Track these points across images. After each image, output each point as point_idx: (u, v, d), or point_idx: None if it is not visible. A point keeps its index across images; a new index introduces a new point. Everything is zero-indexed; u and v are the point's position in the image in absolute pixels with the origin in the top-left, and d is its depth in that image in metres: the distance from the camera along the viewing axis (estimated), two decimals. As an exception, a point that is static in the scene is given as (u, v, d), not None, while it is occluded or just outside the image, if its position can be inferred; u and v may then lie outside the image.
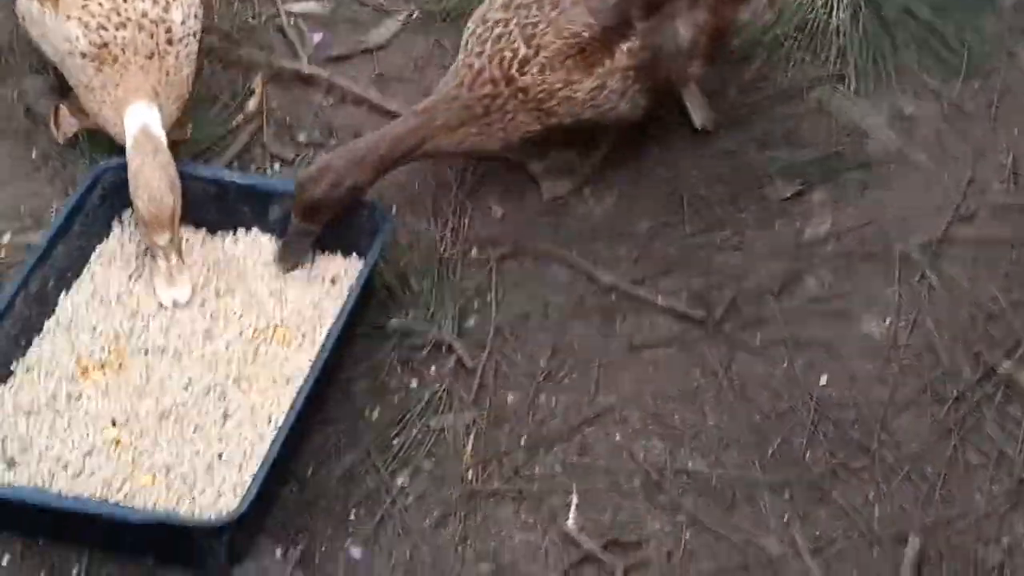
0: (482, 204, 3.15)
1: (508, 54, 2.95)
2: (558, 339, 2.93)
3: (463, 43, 3.02)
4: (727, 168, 3.20)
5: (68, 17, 2.93)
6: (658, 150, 3.24)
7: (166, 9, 2.96)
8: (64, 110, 3.20)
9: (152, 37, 2.93)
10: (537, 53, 2.94)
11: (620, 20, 2.99)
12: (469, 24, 3.03)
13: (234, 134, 3.28)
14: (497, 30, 2.96)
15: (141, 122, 2.91)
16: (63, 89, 3.18)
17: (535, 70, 2.95)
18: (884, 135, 3.24)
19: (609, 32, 2.98)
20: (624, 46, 3.00)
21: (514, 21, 2.96)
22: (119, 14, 2.93)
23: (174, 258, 2.88)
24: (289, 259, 2.94)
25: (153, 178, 2.85)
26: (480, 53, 2.96)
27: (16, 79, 3.34)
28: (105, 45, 2.91)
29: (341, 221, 2.93)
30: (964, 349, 2.87)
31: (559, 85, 2.97)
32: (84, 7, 2.93)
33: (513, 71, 2.95)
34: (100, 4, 2.94)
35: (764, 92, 3.31)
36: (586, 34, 2.96)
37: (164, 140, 2.90)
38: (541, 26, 2.96)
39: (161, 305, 2.89)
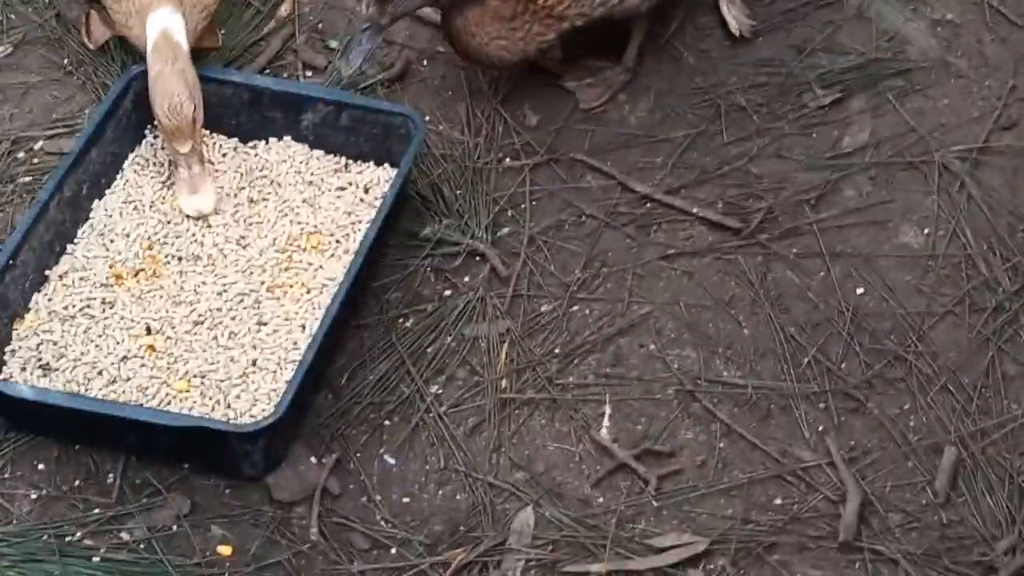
0: (516, 112, 3.12)
1: None
2: (592, 248, 2.92)
3: None
4: (764, 75, 3.16)
5: None
6: (694, 58, 3.19)
7: None
8: (95, 16, 3.17)
9: None
10: None
11: None
12: None
13: (266, 40, 3.25)
14: None
15: (162, 27, 2.87)
16: None
17: None
18: (925, 42, 3.19)
19: None
20: None
21: None
22: None
23: (196, 167, 2.85)
24: (354, 55, 2.89)
25: (172, 85, 2.81)
26: None
27: (47, -16, 3.32)
28: None
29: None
30: (1002, 259, 2.84)
31: None
32: None
33: None
34: None
35: (803, -1, 3.27)
36: None
37: (184, 45, 2.86)
38: None
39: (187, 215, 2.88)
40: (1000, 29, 3.18)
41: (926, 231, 2.90)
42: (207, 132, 2.98)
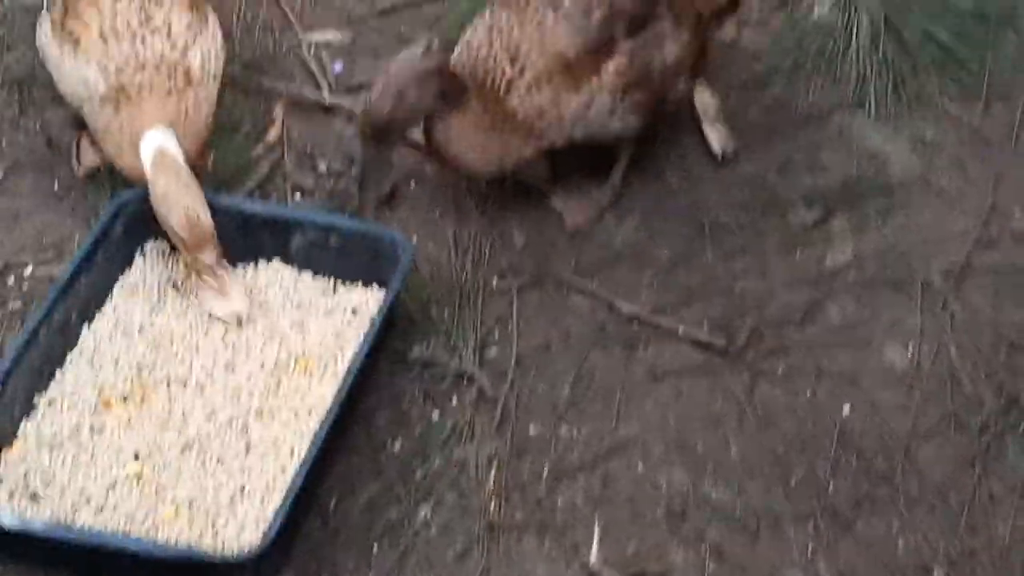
0: (503, 232, 3.15)
1: (496, 75, 2.95)
2: (579, 369, 2.93)
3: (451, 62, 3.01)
4: (748, 194, 3.20)
5: (88, 60, 2.94)
6: (678, 177, 3.23)
7: (184, 52, 2.96)
8: (86, 142, 3.20)
9: (170, 78, 2.92)
10: (522, 74, 2.94)
11: (605, 38, 2.98)
12: (456, 50, 3.03)
13: (255, 163, 3.29)
14: (482, 52, 2.96)
15: (157, 145, 2.88)
16: (84, 121, 3.20)
17: (522, 90, 2.95)
18: (905, 160, 3.23)
19: (594, 49, 2.97)
20: (611, 64, 2.99)
21: (498, 43, 2.96)
22: (138, 57, 2.92)
23: (221, 271, 2.86)
24: (374, 192, 2.97)
25: (183, 198, 2.83)
26: (472, 71, 2.96)
27: (38, 110, 3.35)
28: (122, 87, 2.91)
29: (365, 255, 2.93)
30: (987, 378, 2.86)
31: (547, 105, 2.97)
32: (104, 50, 2.93)
33: (501, 92, 2.95)
34: (120, 47, 2.94)
35: (784, 117, 3.31)
36: (571, 53, 2.96)
37: (182, 158, 2.88)
38: (524, 47, 2.95)
39: (185, 328, 2.89)
40: (979, 148, 3.23)
41: (910, 349, 2.93)
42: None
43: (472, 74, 2.96)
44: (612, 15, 2.97)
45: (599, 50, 2.96)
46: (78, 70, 2.93)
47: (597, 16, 2.96)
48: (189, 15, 3.01)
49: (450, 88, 2.95)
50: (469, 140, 2.99)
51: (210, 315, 2.90)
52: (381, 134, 2.94)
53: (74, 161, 3.22)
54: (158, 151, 2.87)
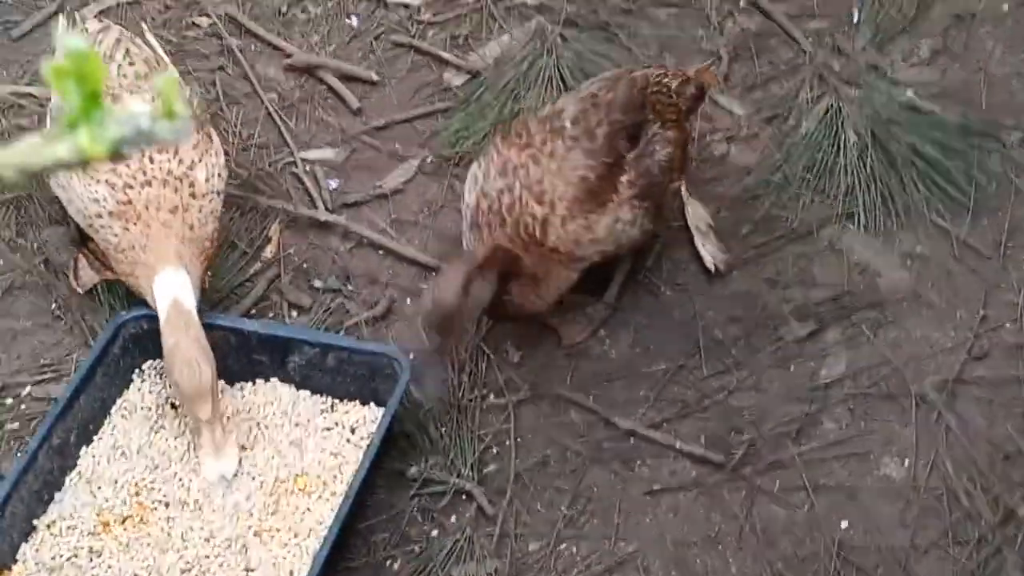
0: (499, 349, 3.17)
1: (528, 219, 2.96)
2: (578, 485, 2.94)
3: (469, 221, 3.00)
4: (741, 309, 3.22)
5: (96, 178, 2.97)
6: (672, 292, 3.26)
7: (191, 167, 3.00)
8: (84, 260, 3.22)
9: (176, 192, 2.96)
10: (554, 208, 2.97)
11: (614, 154, 3.03)
12: (468, 201, 3.02)
13: (252, 281, 3.31)
14: (506, 199, 2.98)
15: (172, 295, 2.87)
16: (83, 240, 3.22)
17: (557, 225, 2.97)
18: (895, 274, 3.27)
19: (608, 168, 3.02)
20: (623, 178, 3.04)
21: (518, 185, 2.98)
22: (145, 173, 2.96)
23: (219, 430, 2.86)
24: (432, 385, 2.89)
25: (189, 353, 2.82)
26: (502, 224, 2.96)
27: (36, 230, 3.37)
28: (130, 202, 2.94)
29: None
30: (983, 491, 2.88)
31: (582, 230, 3.00)
32: (112, 167, 2.96)
33: (538, 234, 2.97)
34: (127, 164, 2.97)
35: (775, 232, 3.34)
36: (591, 176, 2.99)
37: (194, 309, 2.89)
38: (547, 181, 2.97)
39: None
40: (968, 260, 3.26)
41: (907, 463, 2.94)
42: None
43: (502, 222, 2.96)
44: (614, 131, 3.02)
45: (612, 167, 3.02)
46: (87, 188, 2.96)
47: (602, 135, 3.01)
48: (194, 134, 3.05)
49: (509, 263, 2.93)
50: (532, 295, 3.00)
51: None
52: (447, 324, 2.84)
53: (72, 280, 3.23)
54: (173, 303, 2.86)
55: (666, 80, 3.19)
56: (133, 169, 2.95)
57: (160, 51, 3.28)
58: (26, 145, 1.20)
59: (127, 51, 3.14)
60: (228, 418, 2.94)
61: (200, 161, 3.01)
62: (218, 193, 3.03)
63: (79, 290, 3.22)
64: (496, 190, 2.97)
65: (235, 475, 2.86)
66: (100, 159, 1.18)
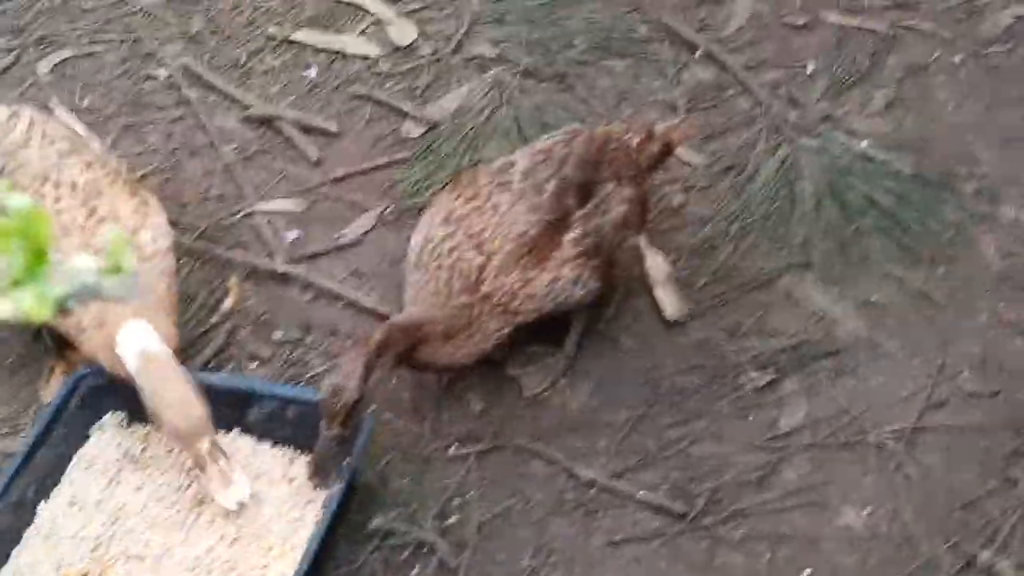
0: (460, 400, 3.17)
1: (464, 265, 2.97)
2: (539, 536, 2.94)
3: (411, 263, 3.02)
4: (700, 358, 3.24)
5: None
6: (632, 342, 3.27)
7: (134, 232, 2.99)
8: (59, 371, 3.18)
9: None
10: (490, 259, 2.97)
11: (560, 211, 3.04)
12: (413, 245, 3.05)
13: (211, 333, 3.30)
14: (447, 244, 2.99)
15: (137, 346, 2.85)
16: (58, 349, 3.18)
17: (492, 276, 2.97)
18: (852, 323, 3.29)
19: (552, 225, 3.02)
20: (569, 236, 3.04)
21: (460, 233, 3.00)
22: (88, 247, 2.93)
23: (222, 459, 2.84)
24: (328, 472, 2.84)
25: (176, 392, 2.80)
26: (439, 268, 2.98)
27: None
28: None
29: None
30: (943, 539, 2.89)
31: (518, 284, 3.00)
32: (56, 247, 2.91)
33: (473, 279, 2.98)
34: (71, 242, 2.94)
35: (733, 282, 3.36)
36: (532, 231, 3.00)
37: (165, 350, 2.86)
38: (488, 232, 2.99)
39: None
40: (924, 309, 3.29)
41: (867, 511, 2.96)
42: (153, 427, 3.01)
43: (438, 267, 2.97)
44: (562, 188, 3.03)
45: (557, 224, 3.02)
46: None
47: (549, 191, 3.02)
48: (131, 199, 3.04)
49: (409, 336, 2.91)
50: (450, 348, 2.99)
51: (214, 502, 2.86)
52: (349, 415, 2.81)
53: (42, 388, 3.18)
54: (140, 353, 2.84)
55: (627, 137, 3.20)
56: (76, 245, 2.93)
57: (76, 125, 3.25)
58: None
59: (43, 132, 3.12)
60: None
61: (143, 225, 3.00)
62: (167, 250, 3.02)
63: (45, 399, 3.15)
64: (439, 236, 2.99)
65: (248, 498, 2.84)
66: (44, 318, 1.18)
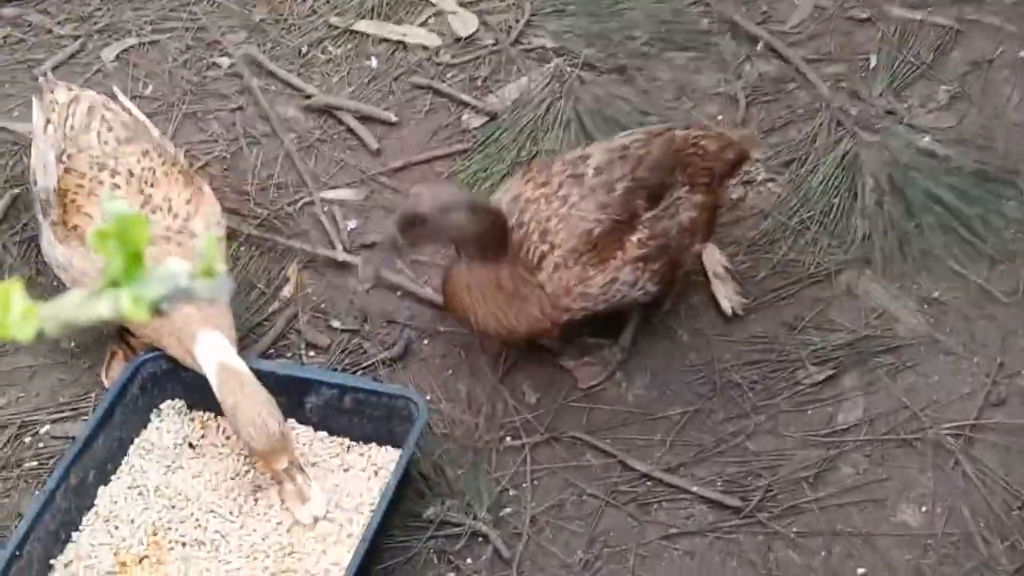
0: (516, 391, 3.17)
1: (530, 246, 2.95)
2: (594, 528, 2.94)
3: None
4: (758, 353, 3.22)
5: (96, 251, 2.95)
6: (689, 336, 3.27)
7: (187, 221, 3.01)
8: (120, 357, 3.20)
9: (180, 247, 2.96)
10: (552, 250, 2.95)
11: (628, 212, 3.01)
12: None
13: (270, 321, 3.32)
14: (515, 219, 2.96)
15: (216, 359, 2.86)
16: (120, 335, 3.20)
17: (550, 268, 2.95)
18: (913, 319, 3.27)
19: (619, 225, 3.00)
20: (634, 237, 3.00)
21: (528, 215, 2.97)
22: None
23: (299, 476, 2.85)
24: (370, 269, 2.87)
25: (252, 409, 2.81)
26: (520, 226, 2.95)
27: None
28: None
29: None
30: (1000, 538, 2.87)
31: (574, 282, 2.97)
32: None
33: (534, 263, 2.95)
34: None
35: (793, 276, 3.35)
36: (597, 230, 2.97)
37: (243, 366, 2.87)
38: (553, 222, 2.96)
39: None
40: (986, 306, 3.26)
41: (924, 509, 2.94)
42: (212, 414, 3.04)
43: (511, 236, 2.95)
44: (634, 189, 3.00)
45: (624, 224, 2.99)
46: (91, 262, 2.96)
47: (620, 190, 2.99)
48: (185, 189, 3.06)
49: (493, 234, 2.90)
50: (487, 297, 2.95)
51: (295, 520, 2.88)
52: (410, 225, 2.82)
53: (103, 375, 3.20)
54: (220, 367, 2.85)
55: (704, 142, 3.15)
56: None
57: (136, 111, 3.28)
58: (70, 301, 1.24)
59: (103, 118, 3.14)
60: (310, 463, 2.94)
61: (196, 213, 3.03)
62: (219, 240, 3.05)
63: (106, 384, 3.17)
64: (510, 212, 2.97)
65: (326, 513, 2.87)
66: (140, 318, 1.21)
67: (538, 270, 2.95)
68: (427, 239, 2.91)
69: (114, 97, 3.30)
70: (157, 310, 1.23)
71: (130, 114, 3.23)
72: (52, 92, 3.22)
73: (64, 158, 3.07)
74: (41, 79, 3.33)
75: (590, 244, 2.96)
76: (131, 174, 3.04)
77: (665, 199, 3.04)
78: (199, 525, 2.89)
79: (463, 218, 2.83)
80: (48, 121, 3.16)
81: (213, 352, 2.87)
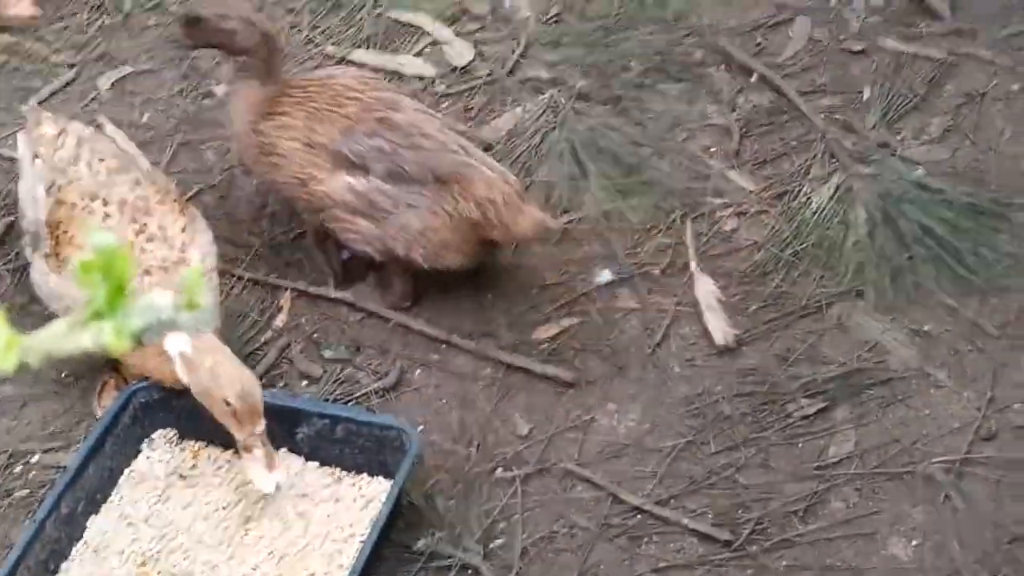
0: (507, 422, 3.18)
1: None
2: (584, 562, 2.94)
3: None
4: (750, 385, 3.23)
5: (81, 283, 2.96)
6: (681, 367, 3.27)
7: (183, 250, 3.02)
8: (111, 386, 3.21)
9: (175, 277, 2.97)
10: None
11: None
12: None
13: (263, 350, 3.32)
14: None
15: (181, 340, 2.86)
16: (113, 363, 3.21)
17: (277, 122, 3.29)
18: (904, 352, 3.27)
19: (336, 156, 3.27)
20: (347, 177, 3.24)
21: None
22: (140, 265, 2.97)
23: (268, 443, 2.85)
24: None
25: (230, 371, 2.83)
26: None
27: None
28: (132, 292, 2.94)
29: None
30: (989, 573, 2.86)
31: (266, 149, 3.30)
32: None
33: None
34: None
35: (784, 308, 3.35)
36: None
37: (214, 337, 2.89)
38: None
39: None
40: (977, 340, 3.26)
41: (914, 543, 2.94)
42: (203, 444, 3.04)
43: None
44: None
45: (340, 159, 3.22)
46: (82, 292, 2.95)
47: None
48: (179, 217, 3.07)
49: (265, 55, 3.26)
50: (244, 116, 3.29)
51: (254, 486, 2.88)
52: (187, 24, 3.29)
53: (95, 404, 3.20)
54: (186, 342, 2.86)
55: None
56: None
57: (123, 142, 3.29)
58: (52, 333, 1.27)
59: (92, 150, 3.15)
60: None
61: (192, 243, 3.03)
62: (213, 270, 3.06)
63: (98, 413, 3.17)
64: None
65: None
66: (123, 350, 1.24)
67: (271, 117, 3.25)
68: (204, 40, 3.32)
69: (100, 127, 3.32)
70: (139, 342, 1.24)
71: (117, 145, 3.24)
72: (39, 125, 3.23)
73: (54, 190, 3.08)
74: (25, 109, 3.34)
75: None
76: (124, 203, 3.05)
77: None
78: (188, 556, 2.89)
79: (236, 27, 3.23)
80: (36, 155, 3.17)
81: (178, 337, 2.85)
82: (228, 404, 2.82)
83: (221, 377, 2.83)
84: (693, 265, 3.38)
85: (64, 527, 2.87)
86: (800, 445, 3.12)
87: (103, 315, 1.24)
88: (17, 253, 3.47)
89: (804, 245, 3.46)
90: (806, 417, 3.16)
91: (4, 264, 3.48)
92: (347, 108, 3.21)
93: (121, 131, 3.40)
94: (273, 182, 3.32)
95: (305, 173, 3.21)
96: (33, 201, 3.12)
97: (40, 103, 3.84)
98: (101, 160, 3.13)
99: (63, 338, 1.25)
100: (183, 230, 3.04)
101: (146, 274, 2.96)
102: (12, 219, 3.53)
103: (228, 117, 3.41)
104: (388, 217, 3.18)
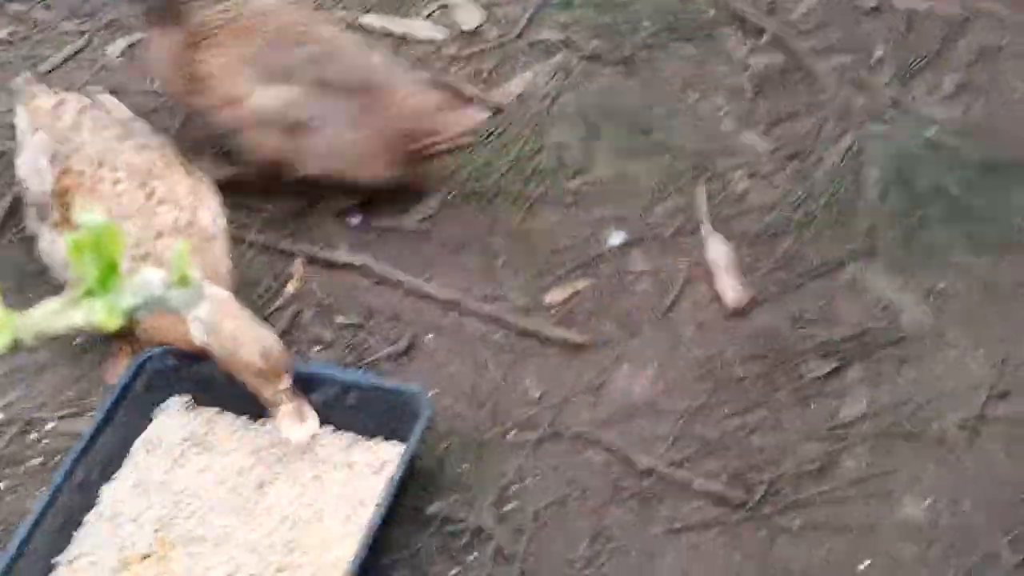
0: (519, 386, 3.18)
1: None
2: (597, 524, 2.94)
3: None
4: (762, 346, 3.22)
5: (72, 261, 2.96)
6: (692, 329, 3.26)
7: (194, 213, 3.02)
8: (123, 354, 3.20)
9: (189, 239, 2.97)
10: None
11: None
12: None
13: (274, 317, 3.32)
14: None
15: (202, 304, 2.86)
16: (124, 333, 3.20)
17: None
18: (917, 311, 3.26)
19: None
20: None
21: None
22: (153, 228, 2.97)
23: (298, 396, 2.86)
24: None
25: (253, 331, 2.84)
26: None
27: (61, 265, 3.40)
28: (148, 255, 2.96)
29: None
30: (1003, 532, 2.86)
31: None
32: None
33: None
34: (134, 223, 2.98)
35: (796, 269, 3.34)
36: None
37: (231, 299, 2.90)
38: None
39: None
40: (992, 298, 3.25)
41: (927, 502, 2.93)
42: (217, 410, 3.05)
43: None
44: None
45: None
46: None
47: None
48: (186, 180, 3.08)
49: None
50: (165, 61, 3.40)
51: (289, 441, 2.90)
52: None
53: (105, 371, 3.20)
54: (209, 301, 2.86)
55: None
56: (139, 227, 2.97)
57: (119, 108, 3.28)
58: (43, 312, 1.26)
59: (92, 118, 3.15)
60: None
61: (201, 204, 3.04)
62: (223, 231, 3.07)
63: (108, 381, 3.18)
64: None
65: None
66: (115, 327, 1.25)
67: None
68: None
69: (95, 98, 3.31)
70: (131, 319, 1.25)
71: (115, 114, 3.24)
72: (35, 97, 3.23)
73: (60, 159, 3.08)
74: (18, 80, 3.34)
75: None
76: (132, 168, 3.05)
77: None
78: (204, 521, 2.90)
79: None
80: (36, 128, 3.17)
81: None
82: (252, 365, 2.83)
83: (242, 338, 2.84)
84: (705, 227, 3.36)
85: (78, 495, 2.88)
86: (813, 406, 3.12)
87: (95, 293, 1.24)
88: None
89: (816, 206, 3.45)
90: (819, 378, 3.15)
91: (16, 233, 3.48)
92: (271, 24, 3.33)
93: (117, 99, 3.39)
94: (209, 110, 3.40)
95: (236, 92, 3.30)
96: (37, 172, 3.12)
97: (50, 71, 3.85)
98: (105, 128, 3.13)
99: (56, 316, 1.25)
100: (191, 192, 3.05)
101: (159, 237, 2.96)
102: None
103: (151, 66, 3.56)
104: (313, 129, 3.27)
